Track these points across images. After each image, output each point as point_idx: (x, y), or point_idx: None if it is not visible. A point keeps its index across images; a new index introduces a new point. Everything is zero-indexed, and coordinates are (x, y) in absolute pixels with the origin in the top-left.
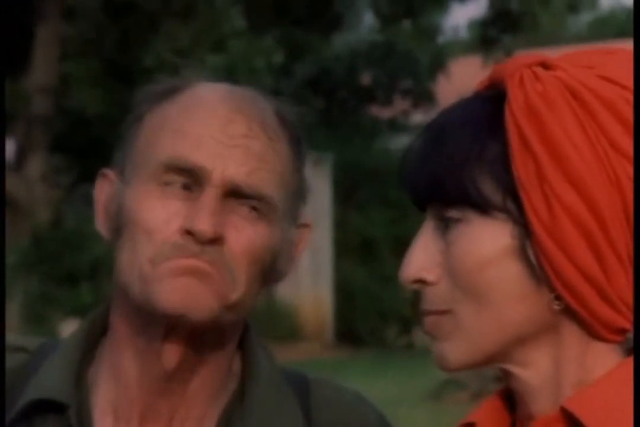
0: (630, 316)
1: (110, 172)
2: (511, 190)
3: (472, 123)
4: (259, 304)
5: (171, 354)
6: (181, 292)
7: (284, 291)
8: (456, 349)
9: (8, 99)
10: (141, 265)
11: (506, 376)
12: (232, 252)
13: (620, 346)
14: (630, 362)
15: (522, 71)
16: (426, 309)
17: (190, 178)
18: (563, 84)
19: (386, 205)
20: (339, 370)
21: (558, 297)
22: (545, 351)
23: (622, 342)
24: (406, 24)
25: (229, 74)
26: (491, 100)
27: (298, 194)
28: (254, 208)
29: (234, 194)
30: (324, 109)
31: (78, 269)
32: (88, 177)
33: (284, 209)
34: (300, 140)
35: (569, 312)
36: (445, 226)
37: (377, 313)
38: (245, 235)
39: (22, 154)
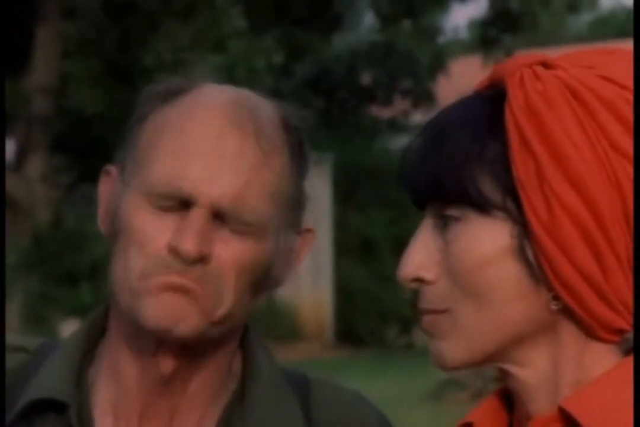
0: (628, 316)
1: (113, 170)
2: (511, 190)
3: (472, 122)
4: (259, 304)
5: (166, 361)
6: (165, 308)
7: (284, 291)
8: (454, 348)
9: (8, 99)
10: (131, 278)
11: (504, 375)
12: (219, 269)
13: (618, 346)
14: (628, 362)
15: (522, 71)
16: (424, 307)
17: (179, 202)
18: (563, 83)
19: (386, 205)
20: (339, 370)
21: (556, 297)
22: (543, 350)
23: (620, 342)
24: (406, 24)
25: (229, 74)
26: (491, 100)
27: (296, 202)
28: (243, 226)
29: (220, 215)
30: (324, 109)
31: (78, 269)
32: (88, 177)
33: (277, 221)
34: (303, 146)
35: (567, 312)
36: (444, 224)
37: (377, 313)
38: (233, 252)
39: (22, 154)
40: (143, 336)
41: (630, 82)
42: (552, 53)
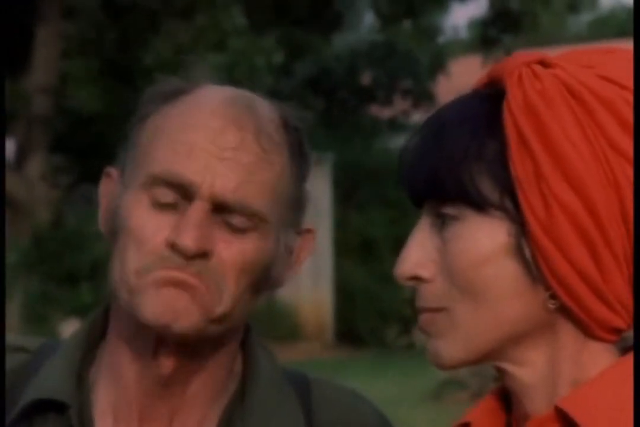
0: (625, 315)
1: (114, 172)
2: (509, 189)
3: (471, 121)
4: (259, 304)
5: (166, 360)
6: (164, 303)
7: (284, 291)
8: (451, 347)
9: (8, 99)
10: (128, 275)
11: (502, 374)
12: (220, 265)
13: (616, 345)
14: (624, 361)
15: (521, 69)
16: (422, 306)
17: (179, 192)
18: (562, 82)
19: (386, 205)
20: (339, 370)
21: (553, 296)
22: (540, 349)
23: (618, 341)
24: (406, 24)
25: (230, 73)
26: (490, 98)
27: (296, 202)
28: (244, 221)
29: (222, 208)
30: (324, 109)
31: (78, 269)
32: (88, 177)
33: (277, 219)
34: (303, 146)
35: (564, 311)
36: (441, 222)
37: (377, 313)
38: (234, 248)
39: (22, 154)
40: (143, 336)
41: (629, 82)
42: (552, 53)
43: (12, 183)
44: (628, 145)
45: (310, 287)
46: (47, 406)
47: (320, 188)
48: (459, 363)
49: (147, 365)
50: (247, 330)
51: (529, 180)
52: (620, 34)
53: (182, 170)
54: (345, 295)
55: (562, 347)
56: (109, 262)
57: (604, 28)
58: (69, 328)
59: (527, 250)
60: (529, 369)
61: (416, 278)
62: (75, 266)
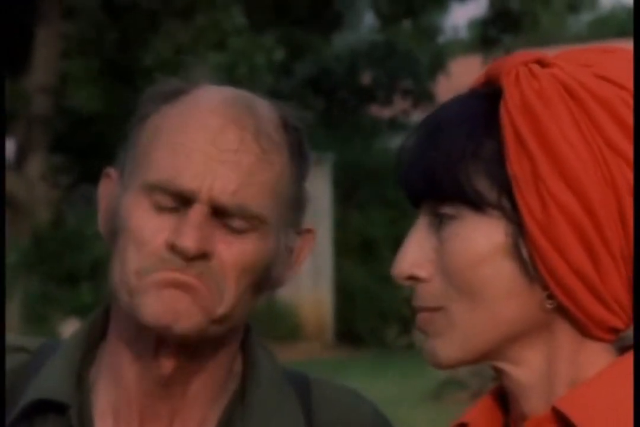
0: (623, 315)
1: (113, 172)
2: (506, 188)
3: (468, 120)
4: (259, 304)
5: (166, 361)
6: (165, 304)
7: (284, 291)
8: (448, 346)
9: (8, 99)
10: (128, 276)
11: (499, 374)
12: (221, 266)
13: (613, 345)
14: (621, 361)
15: (518, 69)
16: (419, 305)
17: (178, 199)
18: (559, 81)
19: (386, 205)
20: (339, 370)
21: (551, 296)
22: (538, 349)
23: (615, 341)
24: (406, 24)
25: (230, 72)
26: (487, 98)
27: (296, 202)
28: (243, 223)
29: (221, 211)
30: (324, 109)
31: (78, 269)
32: (88, 177)
33: (277, 219)
34: (303, 146)
35: (562, 310)
36: (439, 222)
37: (377, 313)
38: (234, 249)
39: (22, 154)
40: (143, 336)
41: (626, 81)
42: (552, 53)
43: (12, 183)
44: (625, 145)
45: (310, 287)
46: (47, 406)
47: (320, 188)
48: (456, 363)
49: (148, 365)
50: (247, 330)
51: (526, 179)
52: (620, 34)
53: (180, 179)
54: (345, 295)
55: (560, 347)
56: (109, 262)
57: (604, 28)
58: (69, 328)
59: (524, 250)
60: (526, 369)
61: (413, 278)
62: (75, 266)
